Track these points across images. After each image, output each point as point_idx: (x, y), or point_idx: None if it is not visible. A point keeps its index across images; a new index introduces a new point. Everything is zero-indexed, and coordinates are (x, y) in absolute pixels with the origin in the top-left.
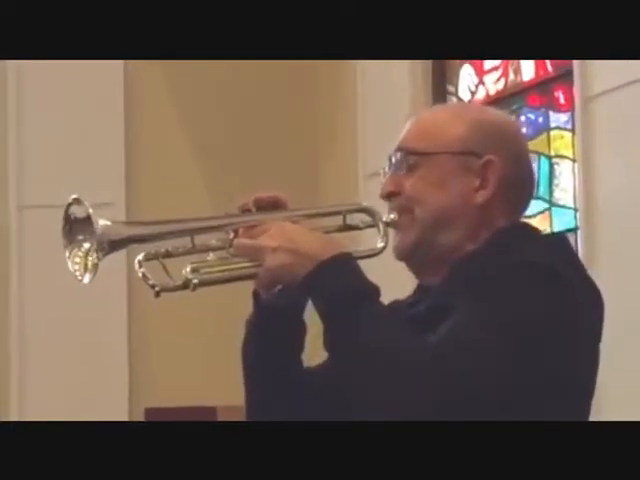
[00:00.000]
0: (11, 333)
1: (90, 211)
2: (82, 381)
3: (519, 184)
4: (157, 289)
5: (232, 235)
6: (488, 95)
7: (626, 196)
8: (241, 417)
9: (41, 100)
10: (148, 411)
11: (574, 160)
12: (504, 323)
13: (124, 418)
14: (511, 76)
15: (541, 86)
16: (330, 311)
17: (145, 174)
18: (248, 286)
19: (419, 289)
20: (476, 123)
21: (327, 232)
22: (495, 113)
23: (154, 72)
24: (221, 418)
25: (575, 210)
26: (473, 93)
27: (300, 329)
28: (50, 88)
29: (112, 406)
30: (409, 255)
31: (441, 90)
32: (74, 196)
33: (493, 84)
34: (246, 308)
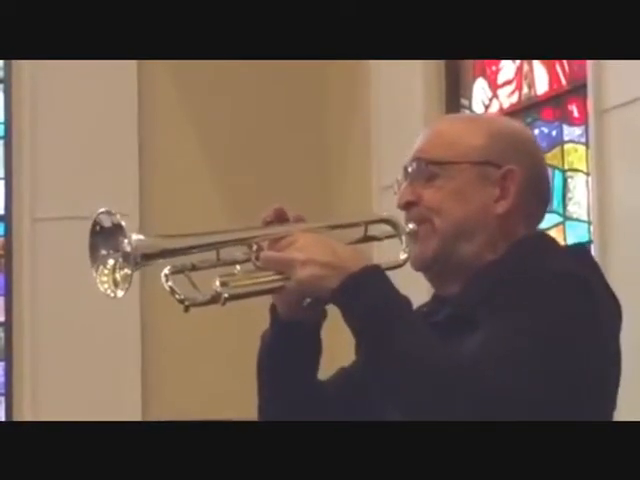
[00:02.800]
0: (24, 346)
1: (123, 224)
2: (94, 393)
3: (537, 194)
4: (187, 304)
5: (255, 248)
6: (502, 109)
7: None
8: None
9: (55, 112)
10: None
11: (588, 174)
12: (538, 334)
13: None
14: (525, 90)
15: (555, 99)
16: (365, 324)
17: (159, 184)
18: (261, 300)
19: (435, 299)
20: (494, 133)
21: (348, 243)
22: (511, 123)
23: (168, 79)
24: None
25: (589, 223)
26: (487, 107)
27: (316, 347)
28: (63, 99)
29: (125, 419)
30: (429, 266)
31: (455, 104)
32: (103, 209)
33: (507, 98)
34: (260, 321)
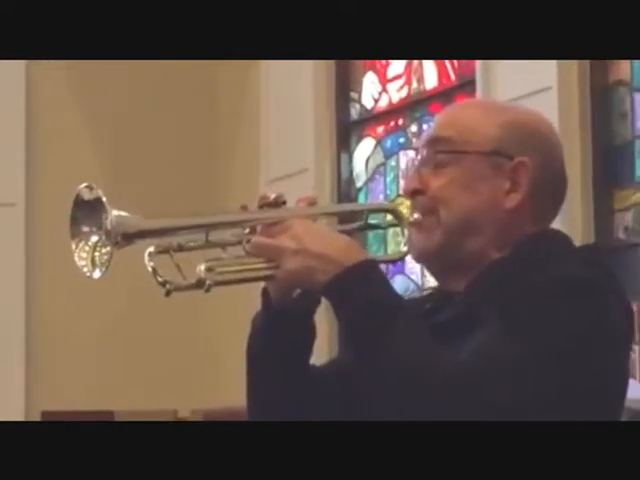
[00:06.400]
0: None
1: (104, 199)
2: None
3: (551, 187)
4: (169, 287)
5: (248, 231)
6: (391, 103)
7: None
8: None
9: None
10: (45, 414)
11: None
12: (539, 340)
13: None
14: (414, 84)
15: (444, 94)
16: (355, 323)
17: (46, 174)
18: (149, 287)
19: (439, 294)
20: (509, 123)
21: (345, 231)
22: (529, 113)
23: (56, 72)
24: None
25: None
26: (376, 101)
27: (310, 333)
28: None
29: (8, 409)
30: (430, 258)
31: (345, 97)
32: (85, 184)
33: (396, 92)
34: (147, 310)
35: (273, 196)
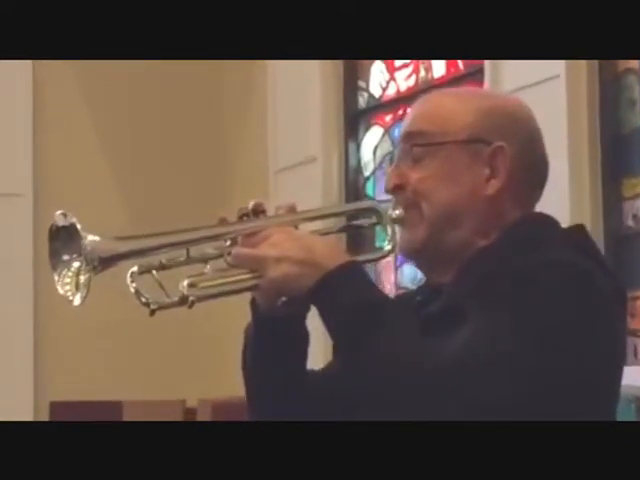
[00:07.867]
0: None
1: (78, 226)
2: None
3: (531, 171)
4: (153, 307)
5: (229, 243)
6: (399, 92)
7: None
8: (146, 412)
9: None
10: (53, 405)
11: None
12: (529, 330)
13: (29, 412)
14: (422, 73)
15: (452, 83)
16: (341, 326)
17: (53, 166)
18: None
19: (429, 287)
20: (485, 109)
21: (328, 233)
22: (506, 99)
23: (63, 70)
24: (127, 413)
25: None
26: (384, 89)
27: (303, 338)
28: None
29: (17, 400)
30: (417, 253)
31: (352, 86)
32: (59, 212)
33: (404, 81)
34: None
35: (252, 205)
